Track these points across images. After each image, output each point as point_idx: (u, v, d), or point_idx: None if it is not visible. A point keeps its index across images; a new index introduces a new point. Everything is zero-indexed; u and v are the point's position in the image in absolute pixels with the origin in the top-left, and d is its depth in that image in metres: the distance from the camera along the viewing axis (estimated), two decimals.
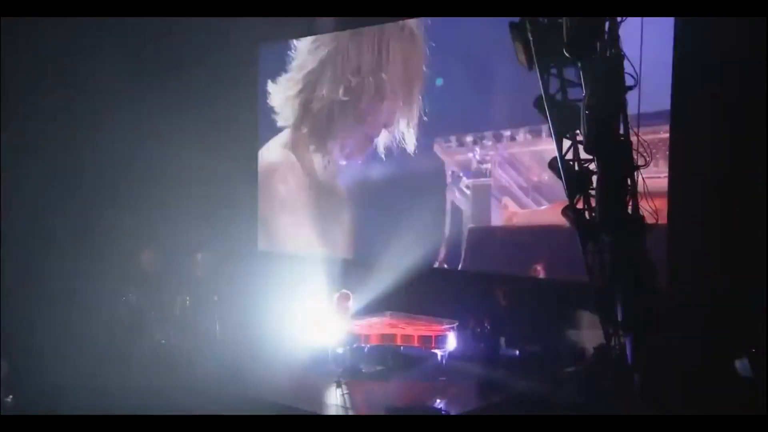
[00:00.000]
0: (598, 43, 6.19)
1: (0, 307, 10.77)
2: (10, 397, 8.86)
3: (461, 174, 11.99)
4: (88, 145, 12.24)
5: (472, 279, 11.49)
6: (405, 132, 12.25)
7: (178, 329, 11.39)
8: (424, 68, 11.99)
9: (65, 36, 11.80)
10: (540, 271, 11.17)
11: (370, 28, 12.50)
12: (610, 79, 6.02)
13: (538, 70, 6.55)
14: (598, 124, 6.07)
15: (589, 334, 10.03)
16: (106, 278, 11.68)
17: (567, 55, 6.13)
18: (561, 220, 9.09)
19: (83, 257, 11.75)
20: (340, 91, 12.87)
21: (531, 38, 6.45)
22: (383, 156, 12.56)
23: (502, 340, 10.72)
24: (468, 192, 11.93)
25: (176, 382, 9.82)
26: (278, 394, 9.39)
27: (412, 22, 12.06)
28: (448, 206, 12.12)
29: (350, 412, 9.02)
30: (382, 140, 12.55)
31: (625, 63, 6.31)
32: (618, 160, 6.51)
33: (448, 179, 12.11)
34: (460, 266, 11.94)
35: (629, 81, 6.29)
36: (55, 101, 11.97)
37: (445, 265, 12.09)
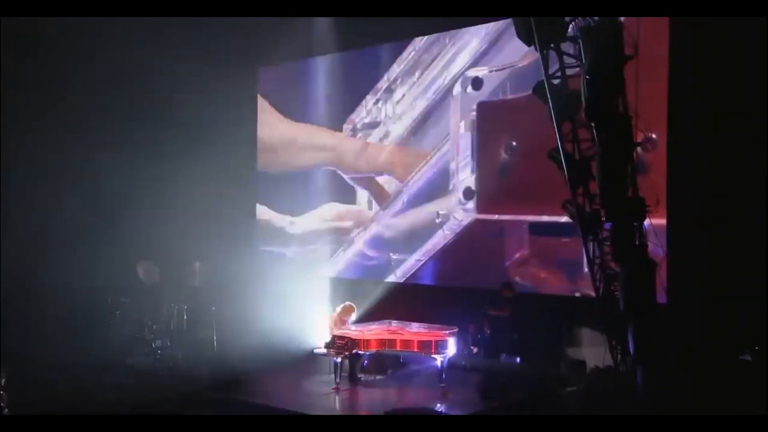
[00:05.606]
0: None
1: None
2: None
3: None
4: (87, 156, 12.30)
5: (473, 290, 11.48)
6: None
7: (175, 339, 11.28)
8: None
9: (66, 52, 12.05)
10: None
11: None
12: (609, 45, 6.14)
13: (537, 45, 6.69)
14: (600, 88, 6.15)
15: (589, 350, 10.02)
16: (104, 288, 11.64)
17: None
18: None
19: (81, 267, 11.71)
20: None
21: None
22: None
23: (503, 356, 10.69)
24: None
25: (173, 391, 9.67)
26: (276, 401, 9.25)
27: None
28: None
29: None
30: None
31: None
32: (619, 134, 6.58)
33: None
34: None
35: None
36: (55, 111, 12.05)
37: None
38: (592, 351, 9.65)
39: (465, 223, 11.81)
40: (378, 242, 12.92)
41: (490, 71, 11.54)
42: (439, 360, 9.72)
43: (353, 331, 10.16)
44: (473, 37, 11.71)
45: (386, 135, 12.89)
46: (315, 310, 11.40)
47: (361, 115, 13.19)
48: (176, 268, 12.38)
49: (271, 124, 14.38)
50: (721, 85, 8.98)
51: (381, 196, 12.99)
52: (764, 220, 8.72)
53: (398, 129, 12.71)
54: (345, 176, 13.42)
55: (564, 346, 10.47)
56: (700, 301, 9.06)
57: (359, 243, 13.18)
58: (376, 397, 9.62)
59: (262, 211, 14.49)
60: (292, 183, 14.07)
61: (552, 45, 6.73)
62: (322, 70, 13.60)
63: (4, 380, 8.89)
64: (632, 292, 7.54)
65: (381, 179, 12.97)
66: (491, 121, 11.60)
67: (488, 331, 10.68)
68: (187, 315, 11.51)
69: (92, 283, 11.79)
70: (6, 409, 8.57)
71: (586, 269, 8.95)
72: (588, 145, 7.42)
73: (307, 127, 13.91)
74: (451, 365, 9.90)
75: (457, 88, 11.95)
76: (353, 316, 10.86)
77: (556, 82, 7.35)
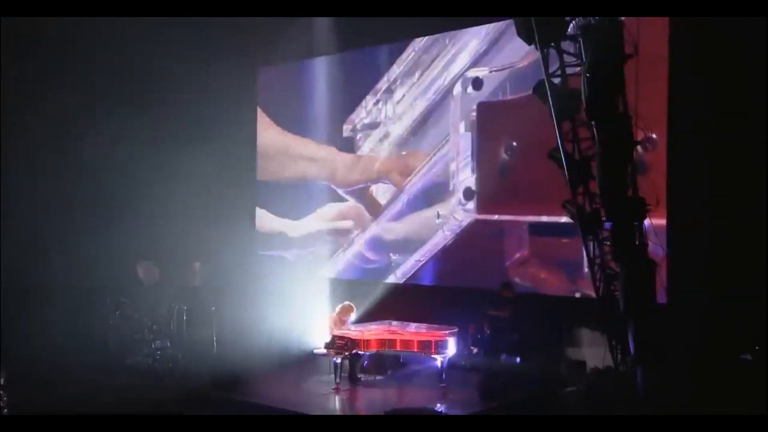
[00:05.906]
0: None
1: None
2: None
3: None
4: (87, 156, 12.32)
5: (473, 290, 11.49)
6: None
7: (175, 339, 11.26)
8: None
9: (67, 48, 12.04)
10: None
11: None
12: (610, 44, 6.14)
13: (537, 44, 6.69)
14: (600, 87, 6.16)
15: (589, 350, 10.02)
16: (104, 288, 11.62)
17: None
18: None
19: (81, 267, 11.70)
20: None
21: None
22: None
23: (503, 356, 10.68)
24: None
25: (173, 391, 9.67)
26: (276, 401, 9.25)
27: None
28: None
29: None
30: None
31: None
32: (619, 133, 6.58)
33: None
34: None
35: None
36: (55, 110, 12.06)
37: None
38: (592, 351, 9.67)
39: (465, 223, 11.81)
40: (378, 245, 12.92)
41: (490, 71, 11.56)
42: (439, 360, 9.72)
43: (353, 331, 10.15)
44: (473, 38, 11.73)
45: (386, 135, 12.89)
46: (315, 311, 11.39)
47: (361, 115, 13.20)
48: (176, 268, 12.38)
49: (267, 134, 14.41)
50: (721, 85, 8.98)
51: (374, 208, 13.02)
52: (764, 220, 8.72)
53: (398, 129, 12.72)
54: (339, 190, 13.44)
55: (564, 346, 10.50)
56: (700, 301, 9.05)
57: (359, 244, 13.18)
58: (376, 397, 9.62)
59: (261, 215, 14.52)
60: (292, 186, 14.09)
61: (552, 44, 6.73)
62: (322, 70, 13.61)
63: (3, 380, 8.89)
64: (632, 292, 7.52)
65: (376, 188, 12.98)
66: (491, 121, 11.61)
67: (488, 331, 10.67)
68: (187, 315, 11.49)
69: (92, 283, 11.79)
70: (6, 409, 8.58)
71: (586, 269, 8.96)
72: (588, 145, 7.42)
73: (300, 139, 13.95)
74: (451, 365, 9.90)
75: (457, 89, 11.95)
76: (352, 316, 10.86)
77: (556, 81, 7.37)
